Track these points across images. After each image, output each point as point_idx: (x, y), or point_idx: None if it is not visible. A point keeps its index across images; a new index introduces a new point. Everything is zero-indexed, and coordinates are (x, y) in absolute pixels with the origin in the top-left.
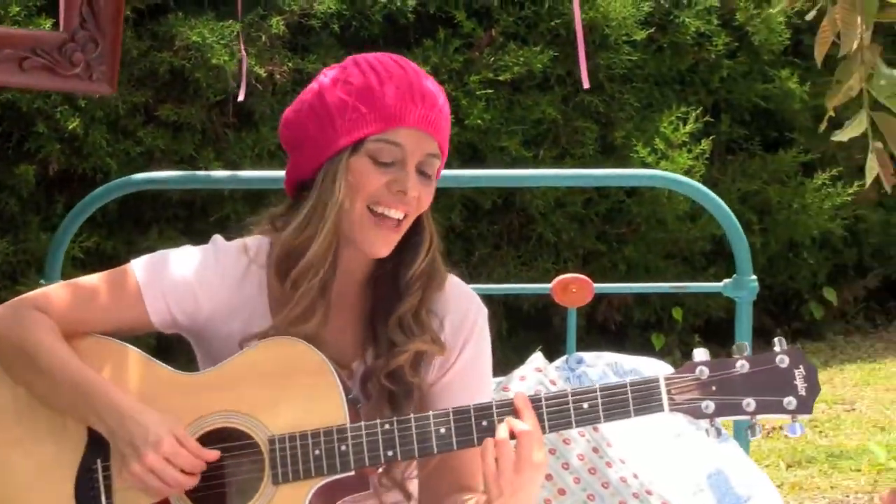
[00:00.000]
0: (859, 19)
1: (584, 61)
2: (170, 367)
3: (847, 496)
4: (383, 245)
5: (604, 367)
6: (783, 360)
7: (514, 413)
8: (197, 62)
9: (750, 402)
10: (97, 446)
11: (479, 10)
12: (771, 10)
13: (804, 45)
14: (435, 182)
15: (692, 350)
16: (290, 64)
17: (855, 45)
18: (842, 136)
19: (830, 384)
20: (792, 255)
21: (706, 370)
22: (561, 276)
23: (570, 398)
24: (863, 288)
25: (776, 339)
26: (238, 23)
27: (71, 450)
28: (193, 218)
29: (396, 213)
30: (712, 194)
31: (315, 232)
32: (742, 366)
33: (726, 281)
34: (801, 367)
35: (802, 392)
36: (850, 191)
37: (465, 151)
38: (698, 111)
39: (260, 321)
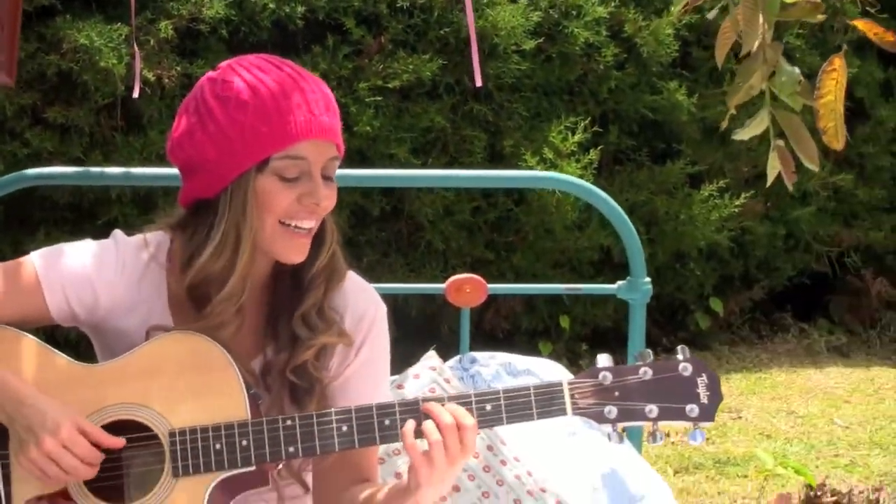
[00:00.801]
0: (761, 18)
1: (478, 61)
2: (69, 358)
3: (734, 502)
4: (298, 253)
5: (497, 366)
6: (686, 369)
7: (425, 412)
8: (85, 65)
9: (652, 409)
10: None
11: (369, 18)
12: (671, 11)
13: (692, 57)
14: (334, 181)
15: (579, 358)
16: (178, 68)
17: (756, 45)
18: (743, 134)
19: None
20: (679, 265)
21: (609, 376)
22: (455, 277)
23: (472, 399)
24: (748, 299)
25: (679, 348)
26: (127, 26)
27: None
28: (81, 220)
29: (308, 223)
30: (605, 195)
31: (232, 259)
32: (645, 372)
33: (620, 283)
34: (703, 375)
35: (704, 400)
36: (737, 202)
37: (353, 158)
38: (587, 121)
39: (159, 319)
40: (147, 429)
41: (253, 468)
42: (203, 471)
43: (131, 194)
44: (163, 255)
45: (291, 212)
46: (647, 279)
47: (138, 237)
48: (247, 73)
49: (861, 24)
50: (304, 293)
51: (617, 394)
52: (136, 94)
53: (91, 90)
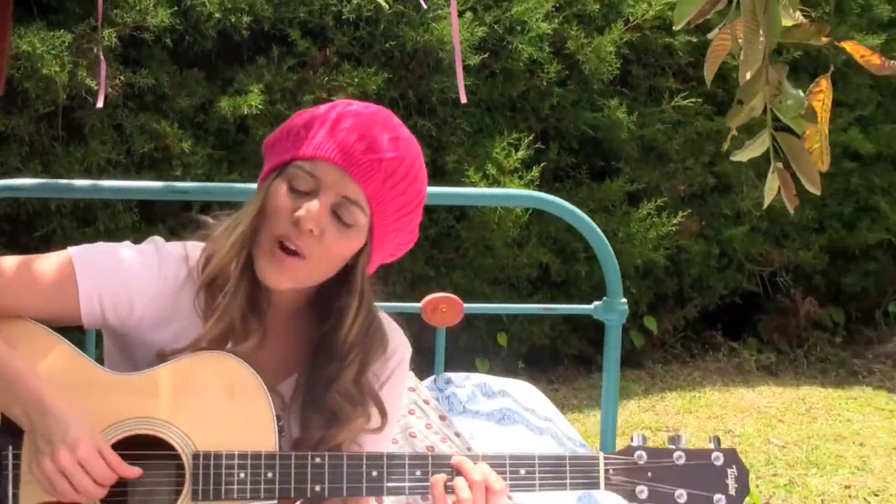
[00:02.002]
0: (762, 39)
1: (462, 76)
2: (98, 364)
3: None
4: (275, 273)
5: (472, 387)
6: (718, 458)
7: (456, 469)
8: (27, 72)
9: (682, 494)
10: (10, 433)
11: (314, 29)
12: (612, 28)
13: (632, 75)
14: (354, 233)
15: (515, 376)
16: (121, 77)
17: (757, 66)
18: (742, 156)
19: (653, 411)
20: None
21: (644, 455)
22: (431, 296)
23: (507, 463)
24: (681, 318)
25: (712, 437)
26: (70, 33)
27: None
28: (18, 232)
29: (290, 245)
30: (587, 218)
31: (235, 238)
32: (679, 457)
33: (596, 303)
34: (733, 466)
35: (732, 492)
36: (675, 221)
37: None
38: (530, 138)
39: (193, 335)
40: (169, 447)
41: (275, 502)
42: (224, 497)
43: (71, 206)
44: (199, 269)
45: (284, 231)
46: (624, 300)
47: (179, 248)
48: (345, 102)
49: (848, 47)
50: (340, 362)
51: (650, 474)
52: (100, 104)
53: (32, 98)
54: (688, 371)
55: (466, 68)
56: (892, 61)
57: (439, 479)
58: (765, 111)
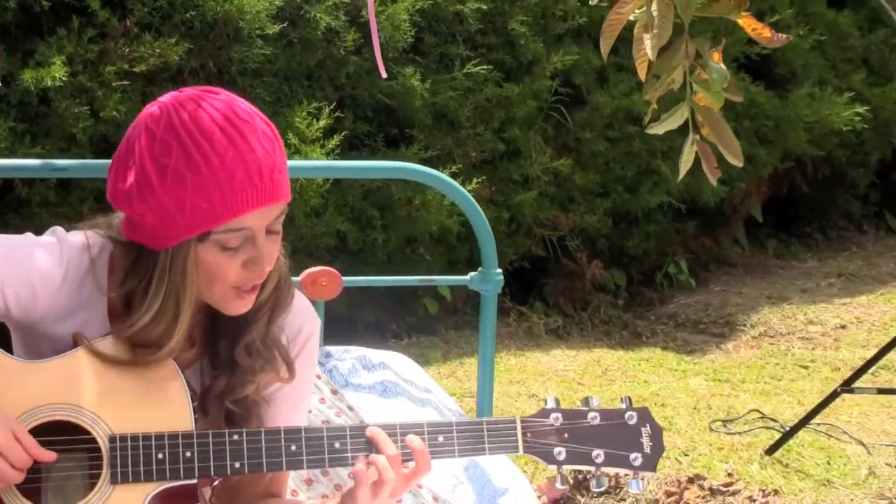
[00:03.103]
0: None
1: (379, 52)
2: (8, 353)
3: None
4: (244, 307)
5: (353, 360)
6: (632, 417)
7: (373, 442)
8: None
9: (599, 454)
10: None
11: (114, 0)
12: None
13: (424, 43)
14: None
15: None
16: None
17: (665, 38)
18: (658, 128)
19: (455, 377)
20: (410, 250)
21: (560, 417)
22: (310, 270)
23: (425, 430)
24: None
25: (623, 398)
26: None
27: None
28: None
29: (254, 283)
30: (460, 188)
31: (171, 326)
32: (594, 417)
33: (472, 274)
34: (647, 425)
35: (648, 450)
36: (469, 188)
37: (99, 144)
38: (331, 107)
39: (97, 327)
40: (85, 432)
41: (195, 481)
42: (143, 479)
43: None
44: (104, 261)
45: (238, 280)
46: (499, 270)
47: (80, 237)
48: (185, 134)
49: (741, 21)
50: (248, 323)
51: (566, 436)
52: None
53: None
54: (478, 337)
55: (264, 38)
56: (780, 34)
57: (361, 456)
58: (684, 86)
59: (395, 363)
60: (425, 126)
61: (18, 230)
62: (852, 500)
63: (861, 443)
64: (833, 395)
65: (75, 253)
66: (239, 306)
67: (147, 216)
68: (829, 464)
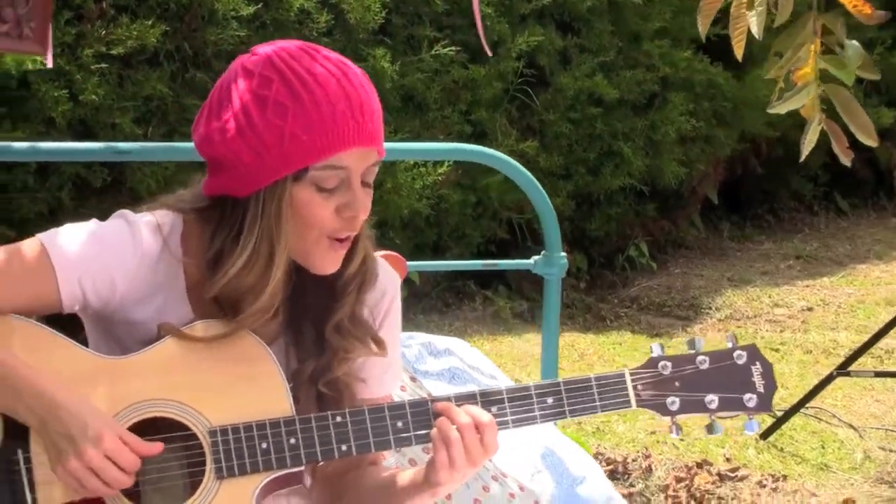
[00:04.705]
0: None
1: (483, 31)
2: (89, 349)
3: None
4: (333, 265)
5: (418, 347)
6: (741, 357)
7: (437, 412)
8: None
9: (713, 399)
10: (15, 436)
11: None
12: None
13: (392, 24)
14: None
15: None
16: None
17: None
18: (780, 108)
19: None
20: (380, 234)
21: (669, 365)
22: (376, 254)
23: (532, 393)
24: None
25: (728, 335)
26: None
27: None
28: None
29: (347, 233)
30: (524, 170)
31: (266, 274)
32: (702, 361)
33: (536, 258)
34: (757, 363)
35: (761, 389)
36: (441, 171)
37: (77, 128)
38: None
39: (177, 308)
40: (183, 427)
41: (303, 468)
42: (249, 471)
43: None
44: (176, 238)
45: (330, 226)
46: (563, 254)
47: (149, 218)
48: (287, 69)
49: None
50: (337, 301)
51: (677, 384)
52: None
53: None
54: (449, 321)
55: (238, 19)
56: (880, 11)
57: (440, 421)
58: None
59: (459, 349)
60: (394, 108)
61: None
62: (853, 484)
63: (852, 426)
64: (829, 379)
65: (147, 234)
66: (329, 261)
67: (243, 154)
68: (823, 448)
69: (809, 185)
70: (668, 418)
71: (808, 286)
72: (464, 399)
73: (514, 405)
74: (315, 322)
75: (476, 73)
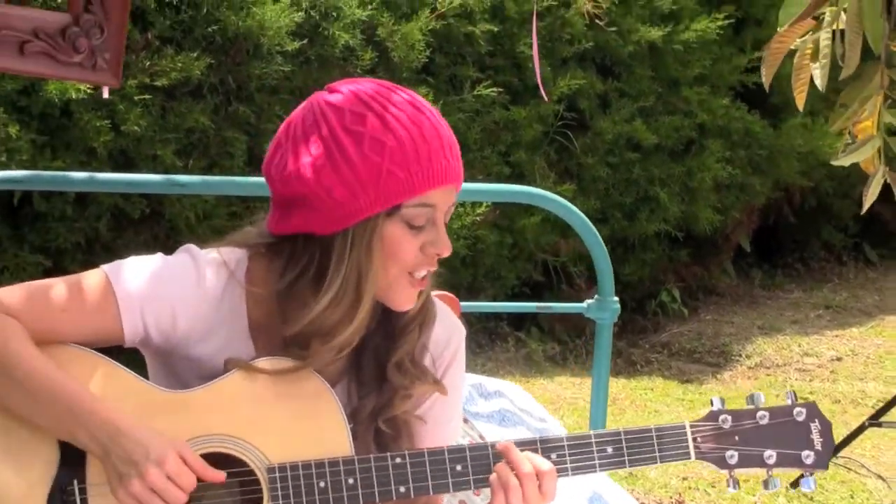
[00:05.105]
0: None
1: (540, 75)
2: (149, 382)
3: None
4: (410, 300)
5: (469, 388)
6: (800, 413)
7: (499, 454)
8: None
9: (772, 455)
10: (72, 465)
11: (135, 12)
12: (419, 15)
13: (435, 63)
14: None
15: None
16: None
17: (854, 67)
18: (844, 160)
19: None
20: None
21: (729, 419)
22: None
23: (593, 441)
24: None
25: (788, 393)
26: None
27: (39, 469)
28: None
29: (427, 270)
30: (579, 213)
31: (352, 310)
32: (762, 416)
33: (589, 302)
34: (816, 420)
35: (818, 447)
36: (479, 211)
37: (118, 159)
38: None
39: (239, 345)
40: (241, 463)
41: None
42: None
43: None
44: (241, 274)
45: (415, 263)
46: (616, 298)
47: (215, 254)
48: (378, 105)
49: None
50: (398, 338)
51: (737, 438)
52: None
53: None
54: (481, 362)
55: (283, 54)
56: None
57: (500, 466)
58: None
59: (509, 391)
60: None
61: (34, 244)
62: None
63: (881, 477)
64: (860, 429)
65: (212, 270)
66: (407, 297)
67: (336, 190)
68: (852, 497)
69: (840, 235)
70: (726, 471)
71: (837, 336)
72: (524, 445)
73: (574, 453)
74: (376, 360)
75: (517, 115)
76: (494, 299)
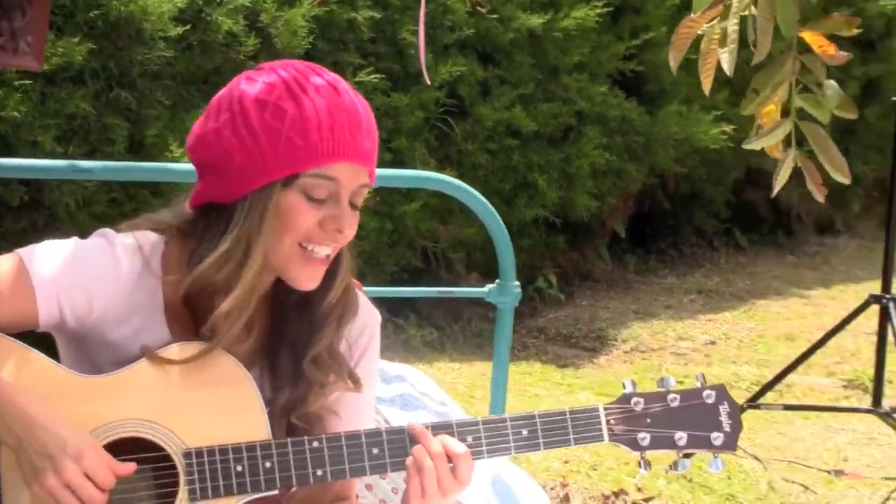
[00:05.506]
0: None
1: (424, 57)
2: (65, 367)
3: None
4: (311, 280)
5: None
6: (710, 396)
7: (412, 438)
8: None
9: (682, 437)
10: None
11: None
12: (302, 2)
13: (317, 49)
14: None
15: None
16: None
17: (765, 54)
18: (756, 144)
19: None
20: None
21: (641, 402)
22: None
23: (508, 424)
24: None
25: (697, 375)
26: None
27: None
28: None
29: (326, 250)
30: (482, 198)
31: (237, 270)
32: (673, 399)
33: (490, 286)
34: (725, 403)
35: (727, 428)
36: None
37: None
38: None
39: (154, 330)
40: (158, 448)
41: (276, 492)
42: (224, 494)
43: None
44: (157, 259)
45: (312, 235)
46: (517, 283)
47: (130, 238)
48: (291, 78)
49: (808, 37)
50: (316, 331)
51: (648, 420)
52: None
53: None
54: None
55: (166, 40)
56: (841, 52)
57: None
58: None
59: (410, 376)
60: None
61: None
62: None
63: (756, 458)
64: (739, 411)
65: (127, 255)
66: (307, 275)
67: (236, 154)
68: (729, 479)
69: (712, 220)
70: (637, 453)
71: (710, 320)
72: (440, 429)
73: (490, 436)
74: (293, 352)
75: (398, 101)
76: (374, 285)
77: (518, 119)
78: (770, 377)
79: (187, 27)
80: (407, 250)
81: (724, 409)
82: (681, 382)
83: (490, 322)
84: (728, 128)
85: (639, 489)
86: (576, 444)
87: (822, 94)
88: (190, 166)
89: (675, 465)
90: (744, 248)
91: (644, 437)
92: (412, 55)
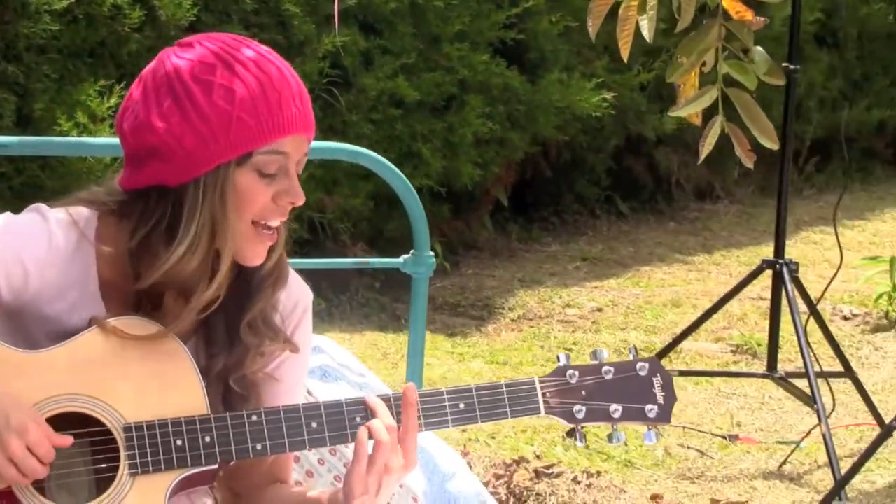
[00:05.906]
0: None
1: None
2: (7, 344)
3: None
4: (260, 256)
5: None
6: (643, 368)
7: (370, 410)
8: None
9: (617, 409)
10: None
11: None
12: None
13: (203, 21)
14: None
15: None
16: None
17: (689, 22)
18: (682, 111)
19: None
20: None
21: (576, 374)
22: None
23: (445, 397)
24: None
25: (630, 348)
26: None
27: None
28: None
29: (276, 223)
30: (394, 168)
31: (206, 260)
32: (607, 372)
33: (405, 257)
34: (658, 375)
35: (661, 401)
36: None
37: None
38: (121, 85)
39: (90, 305)
40: (97, 422)
41: (216, 466)
42: (164, 468)
43: None
44: (91, 234)
45: (266, 211)
46: (432, 253)
47: (64, 213)
48: (227, 55)
49: (726, 3)
50: (251, 297)
51: (583, 393)
52: None
53: None
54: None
55: (51, 13)
56: (759, 17)
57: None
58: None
59: (328, 347)
60: None
61: None
62: (657, 480)
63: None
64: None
65: (62, 229)
66: (257, 251)
67: (186, 139)
68: (626, 445)
69: (593, 188)
70: (573, 425)
71: (596, 287)
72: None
73: (427, 409)
74: (226, 319)
75: None
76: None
77: (401, 89)
78: (659, 343)
79: (72, 0)
80: (293, 221)
81: (657, 382)
82: (570, 350)
83: (376, 292)
84: (608, 95)
85: (538, 457)
86: (512, 417)
87: (749, 60)
88: (107, 140)
89: (610, 438)
90: (625, 215)
91: (580, 410)
92: (295, 26)
